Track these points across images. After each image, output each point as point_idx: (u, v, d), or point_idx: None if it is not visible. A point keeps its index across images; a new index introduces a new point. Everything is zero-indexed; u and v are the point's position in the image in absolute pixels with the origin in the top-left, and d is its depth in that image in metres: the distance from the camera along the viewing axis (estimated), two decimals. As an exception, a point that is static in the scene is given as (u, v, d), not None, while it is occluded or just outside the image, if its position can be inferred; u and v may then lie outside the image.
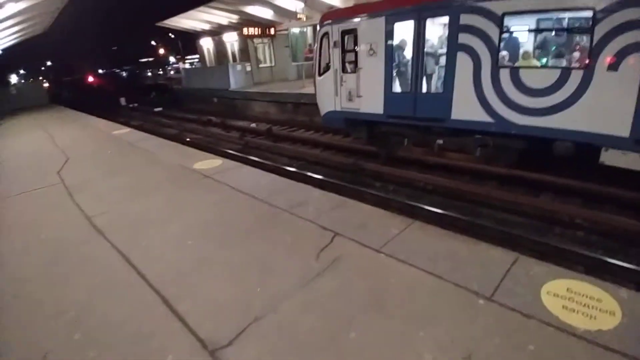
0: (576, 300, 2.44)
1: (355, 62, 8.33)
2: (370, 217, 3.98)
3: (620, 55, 4.94)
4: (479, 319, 2.37)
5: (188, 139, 12.93)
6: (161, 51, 53.34)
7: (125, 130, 11.34)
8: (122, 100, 26.03)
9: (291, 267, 3.11)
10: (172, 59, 56.54)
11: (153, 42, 52.66)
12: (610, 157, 5.47)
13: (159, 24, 26.89)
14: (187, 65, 43.94)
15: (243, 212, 4.33)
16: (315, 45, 9.49)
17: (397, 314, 2.48)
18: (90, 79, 35.61)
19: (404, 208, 6.10)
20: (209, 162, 6.54)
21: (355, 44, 8.18)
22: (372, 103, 8.18)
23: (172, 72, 39.72)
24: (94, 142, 9.83)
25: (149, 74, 50.93)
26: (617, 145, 5.29)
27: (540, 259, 4.36)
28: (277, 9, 19.06)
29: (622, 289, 2.55)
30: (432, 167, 7.95)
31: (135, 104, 26.51)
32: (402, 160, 8.40)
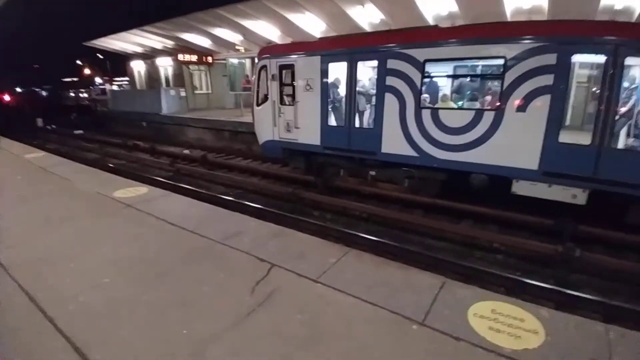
0: (501, 321, 2.60)
1: (292, 95, 8.56)
2: (308, 246, 3.93)
3: (528, 98, 5.75)
4: (413, 346, 2.40)
5: (110, 165, 11.78)
6: (87, 71, 49.56)
7: (40, 153, 10.02)
8: (39, 121, 23.35)
9: (223, 304, 2.87)
10: (98, 80, 52.69)
11: (79, 62, 48.91)
12: (521, 188, 6.24)
13: (87, 43, 25.04)
14: (114, 87, 41.08)
15: (169, 245, 3.96)
16: (254, 76, 9.60)
17: (334, 347, 2.40)
18: (7, 97, 31.46)
19: (341, 236, 6.18)
20: (133, 190, 5.98)
21: (293, 78, 8.45)
22: (309, 135, 8.39)
23: (95, 94, 36.61)
24: (4, 166, 8.45)
25: (72, 94, 46.86)
26: (527, 177, 6.07)
27: (465, 281, 4.72)
28: (215, 39, 19.05)
29: (542, 308, 2.79)
30: (366, 196, 8.29)
31: (54, 126, 24.07)
32: (338, 190, 8.63)
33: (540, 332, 2.49)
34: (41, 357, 2.33)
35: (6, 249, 3.87)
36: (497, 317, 2.64)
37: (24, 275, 3.34)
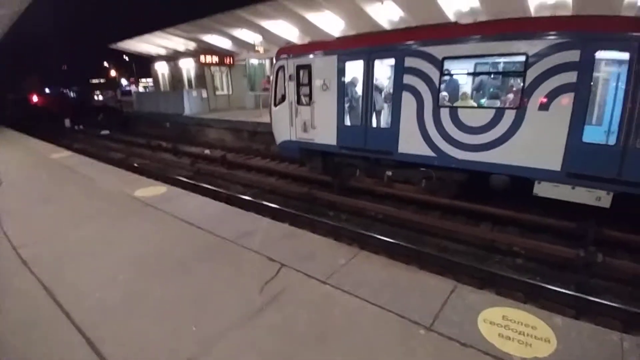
0: (512, 328, 2.52)
1: (309, 95, 8.58)
2: (318, 247, 3.94)
3: (551, 97, 5.54)
4: (419, 350, 2.37)
5: (134, 164, 12.22)
6: (113, 73, 51.58)
7: (67, 153, 10.55)
8: (67, 122, 24.41)
9: (232, 302, 2.93)
10: (124, 81, 54.73)
11: (105, 64, 50.94)
12: (543, 189, 6.00)
13: (113, 45, 26.01)
14: (140, 89, 42.50)
15: (184, 243, 4.07)
16: (272, 77, 9.69)
17: (339, 348, 2.40)
18: (35, 98, 33.13)
19: (354, 237, 6.16)
20: (153, 189, 6.18)
21: (310, 78, 8.46)
22: (325, 134, 8.39)
23: (119, 95, 37.99)
24: (31, 166, 8.96)
25: (99, 95, 48.90)
26: (549, 178, 5.84)
27: (481, 286, 4.61)
28: (236, 40, 19.37)
29: (556, 316, 2.69)
30: (382, 197, 8.20)
31: (81, 126, 25.00)
32: (354, 190, 8.58)
33: (552, 340, 2.40)
34: (56, 350, 2.46)
35: (28, 246, 4.09)
36: (508, 324, 2.56)
37: (44, 271, 3.52)
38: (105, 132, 22.11)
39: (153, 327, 2.68)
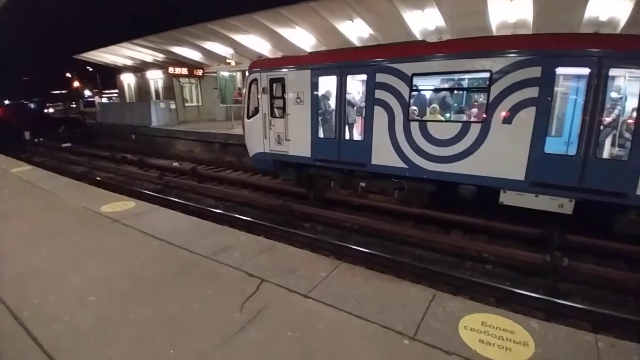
0: (491, 334, 2.60)
1: (283, 108, 8.61)
2: (298, 260, 3.89)
3: (514, 110, 5.88)
4: (405, 361, 2.38)
5: (97, 178, 11.59)
6: (76, 84, 49.32)
7: (27, 167, 9.84)
8: (27, 134, 23.09)
9: (211, 322, 2.81)
10: (87, 93, 52.35)
11: (68, 74, 48.77)
12: (508, 198, 6.33)
13: (77, 56, 24.92)
14: (104, 100, 40.76)
15: (157, 261, 3.88)
16: (245, 89, 9.65)
17: (325, 364, 2.37)
18: None
19: (332, 249, 6.16)
20: (120, 204, 5.88)
21: (283, 91, 8.52)
22: (300, 147, 8.43)
23: (82, 106, 36.35)
24: None
25: (60, 106, 46.44)
26: (514, 187, 6.16)
27: (456, 292, 4.74)
28: (206, 52, 19.15)
29: (532, 320, 2.80)
30: (357, 208, 8.30)
31: (41, 139, 23.72)
32: (329, 202, 8.63)
33: (530, 344, 2.49)
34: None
35: (-13, 267, 3.75)
36: (487, 330, 2.64)
37: (8, 292, 3.24)
38: (67, 144, 20.95)
39: (128, 351, 2.51)
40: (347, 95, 7.77)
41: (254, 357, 2.44)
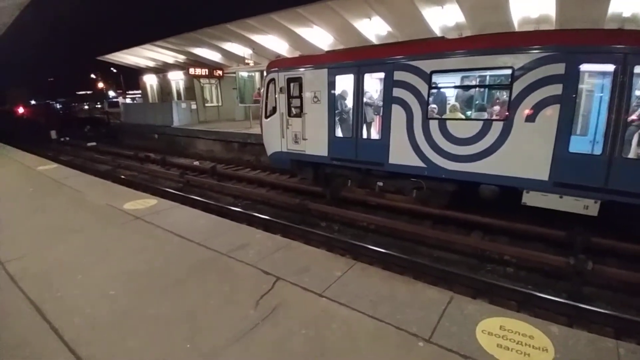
0: (510, 338, 2.53)
1: (300, 107, 8.65)
2: (314, 259, 3.90)
3: (537, 108, 5.70)
4: (419, 363, 2.35)
5: (122, 177, 11.99)
6: (100, 85, 51.25)
7: (53, 165, 10.27)
8: (53, 134, 24.05)
9: (227, 318, 2.86)
10: (112, 93, 54.34)
11: (93, 75, 50.69)
12: (531, 198, 6.13)
13: (100, 57, 25.85)
14: (127, 100, 42.15)
15: (175, 257, 3.98)
16: (262, 89, 9.76)
17: (339, 363, 2.36)
18: (21, 110, 32.70)
19: (348, 248, 6.14)
20: (142, 202, 6.07)
21: (301, 90, 8.55)
22: (317, 146, 8.44)
23: (107, 107, 37.75)
24: (16, 178, 8.69)
25: (86, 106, 48.38)
26: (537, 187, 5.96)
27: (475, 295, 4.63)
28: (226, 53, 19.46)
29: (553, 325, 2.70)
30: (374, 207, 8.23)
31: (67, 138, 24.61)
32: (346, 201, 8.60)
33: (549, 349, 2.41)
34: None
35: (15, 260, 3.95)
36: (506, 334, 2.56)
37: (32, 286, 3.40)
38: (92, 143, 21.76)
39: (146, 344, 2.58)
40: (364, 94, 7.72)
41: (267, 353, 2.46)
